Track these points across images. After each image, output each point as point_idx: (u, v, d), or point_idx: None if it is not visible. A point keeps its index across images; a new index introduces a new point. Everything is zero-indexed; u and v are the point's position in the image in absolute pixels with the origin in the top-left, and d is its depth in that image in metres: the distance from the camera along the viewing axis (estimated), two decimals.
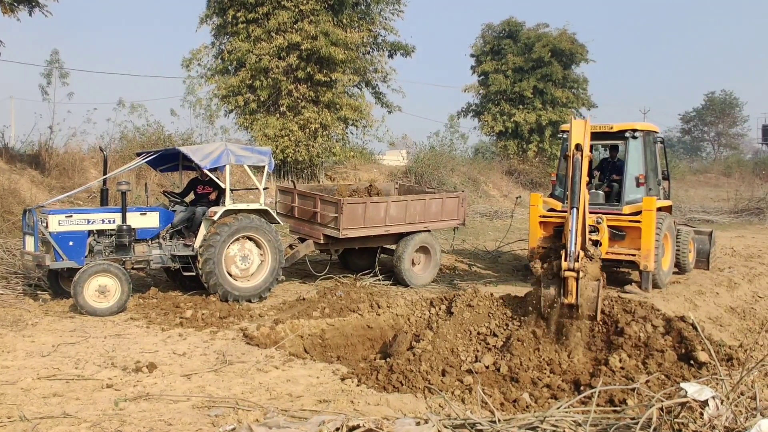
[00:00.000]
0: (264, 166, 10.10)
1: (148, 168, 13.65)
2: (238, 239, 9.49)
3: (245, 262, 9.60)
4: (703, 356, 6.74)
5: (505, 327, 7.48)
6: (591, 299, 7.21)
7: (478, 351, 7.21)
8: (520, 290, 9.89)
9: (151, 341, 7.33)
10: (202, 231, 9.43)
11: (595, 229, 10.91)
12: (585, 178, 7.92)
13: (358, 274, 11.68)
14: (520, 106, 32.08)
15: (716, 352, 6.77)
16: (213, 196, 10.15)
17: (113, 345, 7.08)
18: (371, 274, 11.60)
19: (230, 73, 21.68)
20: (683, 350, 7.03)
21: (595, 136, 11.76)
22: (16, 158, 16.46)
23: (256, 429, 4.15)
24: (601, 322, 7.54)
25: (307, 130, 20.92)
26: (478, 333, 7.46)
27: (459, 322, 7.64)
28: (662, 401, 4.47)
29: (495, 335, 7.39)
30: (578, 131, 7.96)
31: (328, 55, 20.08)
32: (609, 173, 12.09)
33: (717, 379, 5.51)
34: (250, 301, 9.51)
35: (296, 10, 20.29)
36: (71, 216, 8.91)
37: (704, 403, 4.30)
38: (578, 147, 7.83)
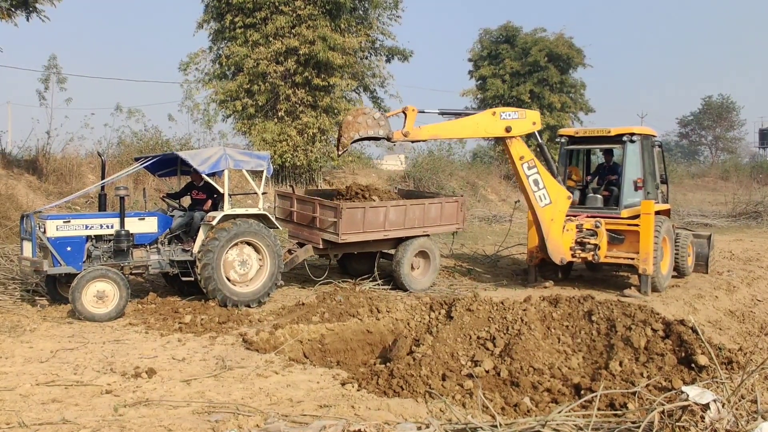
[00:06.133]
0: (262, 171, 10.09)
1: (146, 173, 13.63)
2: (236, 244, 9.47)
3: (244, 267, 9.58)
4: (703, 360, 6.75)
5: (505, 331, 7.47)
6: None
7: (478, 355, 7.20)
8: (519, 294, 9.90)
9: (150, 347, 7.30)
10: (201, 236, 9.41)
11: (593, 233, 10.95)
12: (478, 126, 10.18)
13: (358, 279, 11.66)
14: None
15: (716, 355, 6.77)
16: (207, 206, 10.11)
17: (112, 350, 7.05)
18: (370, 279, 11.58)
19: (228, 77, 21.69)
20: (683, 354, 7.03)
21: (594, 140, 11.84)
22: (13, 163, 16.43)
23: None
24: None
25: (306, 134, 20.93)
26: (478, 337, 7.45)
27: (459, 327, 7.63)
28: (663, 405, 4.46)
29: (495, 339, 7.38)
30: (507, 108, 10.62)
31: (325, 60, 20.10)
32: (606, 177, 12.11)
33: (718, 382, 5.51)
34: (249, 306, 9.49)
35: (294, 14, 20.32)
36: (69, 221, 8.89)
37: (706, 407, 4.29)
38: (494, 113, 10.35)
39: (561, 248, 10.89)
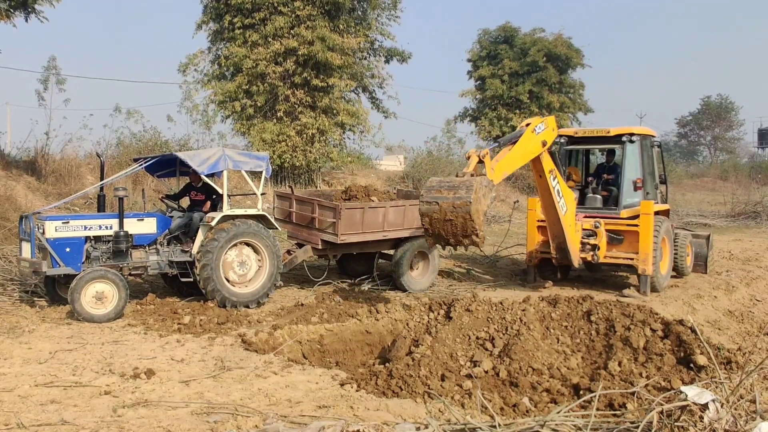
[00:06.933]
0: (261, 172, 10.10)
1: (145, 174, 13.63)
2: (235, 245, 9.47)
3: (243, 268, 9.58)
4: (702, 359, 6.75)
5: (504, 332, 7.47)
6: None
7: (477, 356, 7.19)
8: (518, 295, 9.89)
9: (149, 347, 7.30)
10: (200, 237, 9.41)
11: (593, 233, 10.95)
12: (527, 149, 9.37)
13: (357, 280, 11.66)
14: (517, 111, 32.20)
15: (715, 355, 6.78)
16: (206, 207, 10.12)
17: (111, 351, 7.05)
18: (369, 280, 11.59)
19: (227, 78, 21.70)
20: (682, 354, 7.03)
21: (593, 140, 11.84)
22: (12, 164, 16.42)
23: None
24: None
25: (305, 135, 20.94)
26: (477, 338, 7.44)
27: (458, 327, 7.63)
28: (662, 405, 4.47)
29: (494, 340, 7.37)
30: (535, 119, 9.73)
31: (324, 60, 20.12)
32: (605, 177, 12.11)
33: (716, 382, 5.51)
34: (248, 307, 9.49)
35: (293, 15, 20.33)
36: (68, 222, 8.88)
37: (704, 407, 4.30)
38: (528, 125, 9.55)
39: (577, 251, 10.88)
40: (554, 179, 10.11)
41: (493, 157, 8.81)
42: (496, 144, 9.14)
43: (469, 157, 8.52)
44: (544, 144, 9.72)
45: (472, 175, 8.01)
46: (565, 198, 10.35)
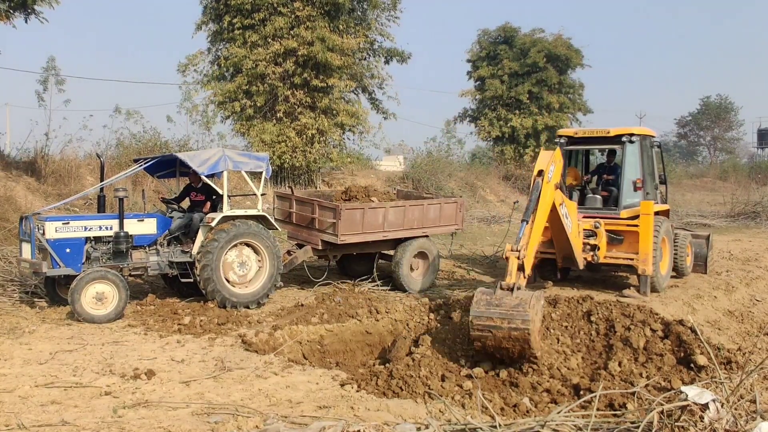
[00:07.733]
0: (261, 172, 10.10)
1: (144, 174, 13.63)
2: (236, 245, 9.47)
3: (243, 269, 9.58)
4: (702, 360, 6.77)
5: None
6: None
7: (477, 356, 7.20)
8: None
9: (149, 348, 7.30)
10: (200, 237, 9.41)
11: (593, 234, 10.95)
12: (546, 203, 8.41)
13: (357, 280, 11.66)
14: (517, 111, 32.22)
15: (715, 355, 6.79)
16: (206, 208, 10.12)
17: (111, 352, 7.06)
18: (369, 280, 11.59)
19: (227, 79, 21.69)
20: (682, 354, 7.05)
21: (593, 140, 11.83)
22: (11, 165, 16.41)
23: None
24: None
25: (304, 135, 20.93)
26: None
27: (458, 327, 7.65)
28: (663, 405, 4.48)
29: None
30: (543, 159, 8.53)
31: (324, 61, 20.11)
32: (605, 177, 12.10)
33: (717, 382, 5.52)
34: (248, 308, 9.48)
35: (292, 16, 20.33)
36: (68, 223, 8.88)
37: (705, 407, 4.31)
38: (540, 173, 8.32)
39: (581, 253, 10.85)
40: (561, 207, 9.64)
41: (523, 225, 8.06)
42: (525, 222, 8.03)
43: (507, 258, 7.66)
44: (556, 186, 9.07)
45: (518, 288, 7.22)
46: (570, 216, 10.15)
